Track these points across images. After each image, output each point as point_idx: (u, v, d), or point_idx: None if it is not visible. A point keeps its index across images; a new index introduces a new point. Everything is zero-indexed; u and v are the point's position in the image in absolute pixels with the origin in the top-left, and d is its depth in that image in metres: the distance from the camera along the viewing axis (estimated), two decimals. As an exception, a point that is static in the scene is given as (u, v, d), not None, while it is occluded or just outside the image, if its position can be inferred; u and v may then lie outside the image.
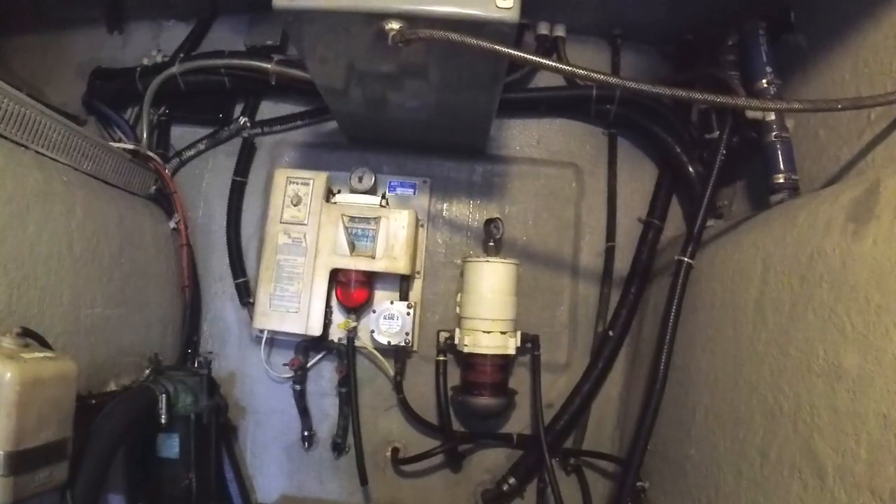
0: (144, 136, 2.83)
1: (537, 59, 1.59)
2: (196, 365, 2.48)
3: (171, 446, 2.27)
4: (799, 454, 1.51)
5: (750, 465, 1.72)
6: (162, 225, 2.73)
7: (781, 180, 2.05)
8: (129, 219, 2.43)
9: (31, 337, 1.69)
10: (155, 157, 2.74)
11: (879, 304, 1.33)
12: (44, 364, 1.59)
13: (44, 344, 1.74)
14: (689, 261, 2.17)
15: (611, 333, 2.70)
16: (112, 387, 2.24)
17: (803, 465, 1.49)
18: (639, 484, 2.26)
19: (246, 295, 2.83)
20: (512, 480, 2.63)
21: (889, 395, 1.25)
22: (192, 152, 2.95)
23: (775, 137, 2.09)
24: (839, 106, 1.71)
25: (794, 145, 2.11)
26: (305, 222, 2.58)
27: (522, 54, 1.58)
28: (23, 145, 1.94)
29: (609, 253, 2.80)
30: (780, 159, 2.08)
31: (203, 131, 2.97)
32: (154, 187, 2.75)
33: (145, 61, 2.92)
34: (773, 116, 2.11)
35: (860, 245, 1.42)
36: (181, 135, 2.99)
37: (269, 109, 2.99)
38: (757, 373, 1.76)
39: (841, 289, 1.46)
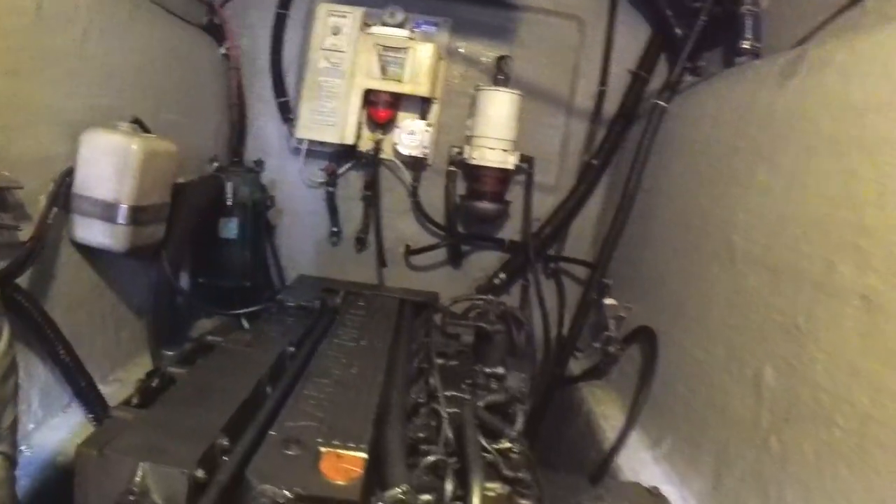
0: (197, -29, 3.05)
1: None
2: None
3: (231, 229, 2.69)
4: (720, 245, 1.94)
5: (686, 256, 2.17)
6: (214, 51, 3.00)
7: (747, 46, 2.34)
8: (190, 44, 2.73)
9: (139, 125, 2.06)
10: (207, -11, 2.97)
11: (787, 135, 1.71)
12: (156, 141, 2.00)
13: (146, 131, 2.10)
14: (664, 104, 2.53)
15: (594, 162, 3.11)
16: (181, 179, 2.65)
17: (722, 252, 1.92)
18: (604, 280, 2.71)
19: (287, 112, 3.17)
20: (502, 275, 3.14)
21: (784, 195, 1.66)
22: (238, -14, 3.18)
23: (747, 10, 2.36)
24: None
25: (766, 22, 2.37)
26: (344, 49, 2.91)
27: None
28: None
29: (600, 96, 3.15)
30: (749, 28, 2.35)
31: (247, -31, 3.18)
32: (206, 18, 2.98)
33: None
34: (748, -9, 2.38)
35: (783, 94, 1.79)
36: (227, -27, 3.20)
37: (308, -48, 3.19)
38: (699, 189, 2.18)
39: (764, 125, 1.84)
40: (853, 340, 1.31)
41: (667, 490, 1.76)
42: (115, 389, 2.06)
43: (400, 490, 1.00)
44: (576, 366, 2.86)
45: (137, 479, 1.05)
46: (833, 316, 1.39)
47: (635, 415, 2.19)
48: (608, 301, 2.61)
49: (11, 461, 1.25)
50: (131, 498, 1.03)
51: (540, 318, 3.08)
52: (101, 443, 1.10)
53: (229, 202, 2.56)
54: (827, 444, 1.33)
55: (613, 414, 2.37)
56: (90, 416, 1.88)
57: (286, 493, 1.01)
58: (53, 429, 1.82)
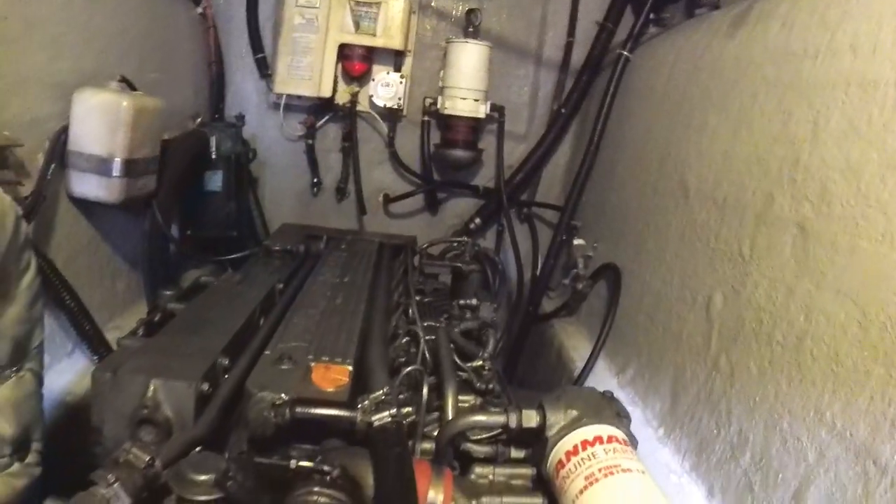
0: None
1: None
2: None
3: (215, 181, 2.76)
4: (675, 184, 2.06)
5: (646, 197, 2.29)
6: (191, 10, 3.01)
7: (706, -2, 2.43)
8: (168, 4, 2.75)
9: (126, 84, 2.12)
10: (182, -52, 2.99)
11: (735, 81, 1.83)
12: (144, 98, 2.07)
13: (133, 89, 2.16)
14: (628, 54, 2.63)
15: (563, 111, 3.20)
16: (166, 136, 2.70)
17: (676, 191, 2.04)
18: (572, 222, 2.84)
19: (264, 68, 3.22)
20: (477, 220, 3.28)
21: (731, 136, 1.79)
22: (213, -55, 3.20)
23: (707, -36, 2.43)
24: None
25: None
26: (317, 5, 2.97)
27: None
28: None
29: (568, 47, 3.24)
30: (709, -19, 2.42)
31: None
32: (182, -22, 3.01)
33: None
34: (711, -54, 2.43)
35: (731, 42, 1.91)
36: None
37: None
38: (657, 133, 2.30)
39: (716, 72, 1.96)
40: (790, 265, 1.44)
41: (630, 411, 1.93)
42: (114, 337, 2.14)
43: (383, 392, 1.14)
44: (548, 304, 3.00)
45: (149, 394, 1.16)
46: (772, 244, 1.51)
47: (601, 345, 2.33)
48: (577, 241, 2.75)
49: (39, 378, 1.38)
50: (144, 412, 1.16)
51: (514, 261, 3.22)
52: (115, 365, 1.20)
53: (213, 156, 2.65)
54: (769, 361, 1.46)
55: (583, 346, 2.51)
56: (95, 358, 1.97)
57: (283, 395, 1.15)
58: (60, 373, 1.91)
